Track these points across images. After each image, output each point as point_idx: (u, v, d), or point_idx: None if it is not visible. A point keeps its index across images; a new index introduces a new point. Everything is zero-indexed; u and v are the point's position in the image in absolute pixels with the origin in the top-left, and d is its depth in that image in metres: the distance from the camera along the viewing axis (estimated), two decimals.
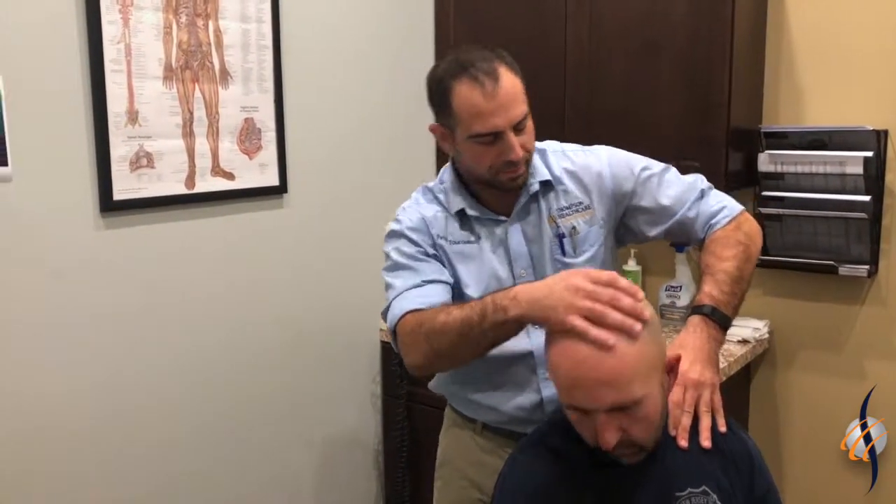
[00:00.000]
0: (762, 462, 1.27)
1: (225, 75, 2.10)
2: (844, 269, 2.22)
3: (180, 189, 2.03)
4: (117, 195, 1.90)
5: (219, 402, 2.19)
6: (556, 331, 1.14)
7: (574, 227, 1.51)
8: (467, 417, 1.63)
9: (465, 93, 1.38)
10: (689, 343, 1.31)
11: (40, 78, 1.77)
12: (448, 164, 1.58)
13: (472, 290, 1.49)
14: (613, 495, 1.18)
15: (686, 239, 1.58)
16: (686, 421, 1.24)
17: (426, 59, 2.71)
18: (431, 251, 1.50)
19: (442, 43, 2.69)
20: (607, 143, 1.62)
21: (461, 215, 1.52)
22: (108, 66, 1.85)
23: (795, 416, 2.45)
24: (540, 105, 2.42)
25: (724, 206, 1.53)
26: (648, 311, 1.14)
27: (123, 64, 1.88)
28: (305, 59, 2.32)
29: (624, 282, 1.16)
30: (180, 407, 2.10)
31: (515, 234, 1.51)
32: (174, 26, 1.97)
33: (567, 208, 1.52)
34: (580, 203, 1.53)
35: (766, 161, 2.27)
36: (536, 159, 1.51)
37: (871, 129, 2.15)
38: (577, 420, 1.15)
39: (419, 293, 1.42)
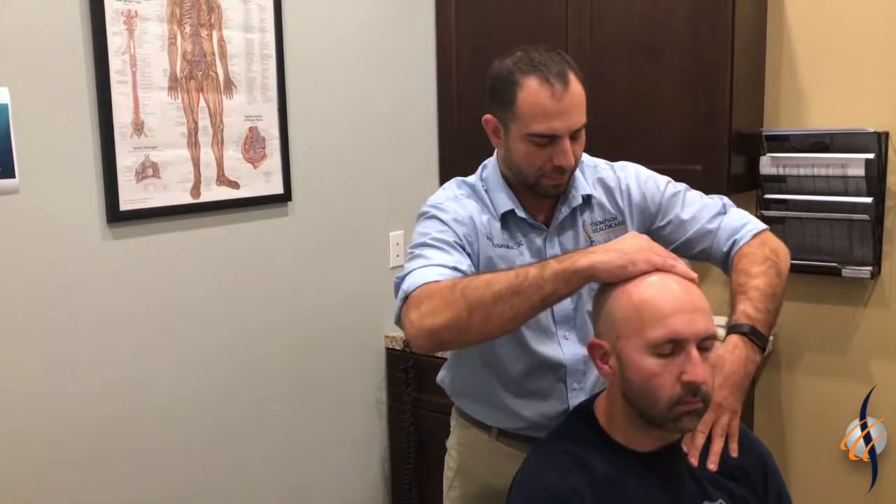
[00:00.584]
0: (774, 465, 1.28)
1: (229, 85, 2.11)
2: (848, 271, 2.24)
3: (186, 198, 2.04)
4: (124, 205, 1.90)
5: (224, 409, 2.19)
6: (635, 274, 1.19)
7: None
8: (481, 424, 1.62)
9: (533, 90, 1.37)
10: (725, 363, 1.29)
11: (46, 89, 1.77)
12: (490, 162, 1.57)
13: None
14: (632, 502, 1.19)
15: (707, 252, 1.55)
16: (699, 441, 1.24)
17: (428, 67, 2.73)
18: (469, 249, 1.46)
19: (443, 51, 2.71)
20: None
21: (504, 217, 1.50)
22: (114, 77, 1.86)
23: (800, 417, 2.46)
24: None
25: (746, 221, 1.53)
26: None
27: (129, 75, 1.89)
28: (308, 68, 2.33)
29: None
30: (186, 413, 2.11)
31: (554, 246, 1.51)
32: (178, 37, 1.98)
33: (601, 223, 1.53)
34: (614, 218, 1.54)
35: (768, 164, 2.29)
36: (577, 172, 1.51)
37: (873, 131, 2.17)
38: (660, 368, 1.15)
39: (448, 273, 1.34)
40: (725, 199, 1.59)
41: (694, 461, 1.22)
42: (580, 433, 1.24)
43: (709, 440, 1.26)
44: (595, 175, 1.56)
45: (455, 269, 1.36)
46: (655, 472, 1.20)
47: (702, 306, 1.17)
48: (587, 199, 1.53)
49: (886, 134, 2.19)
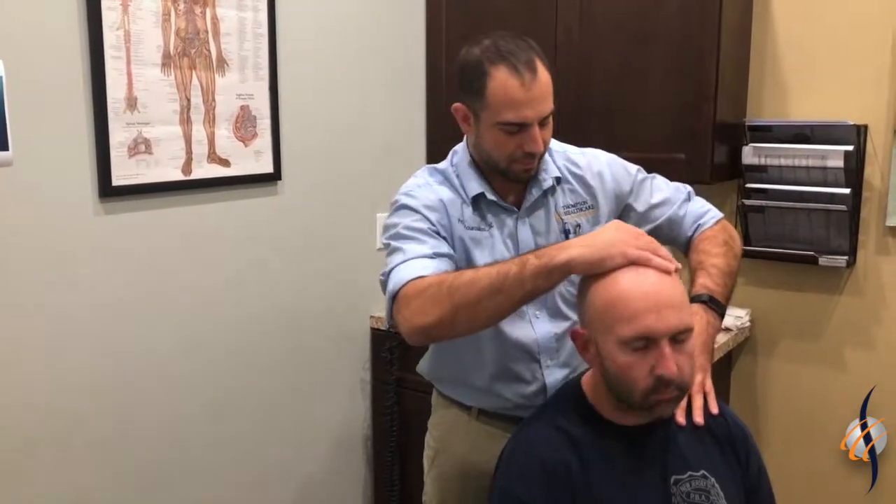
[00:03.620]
0: (755, 442, 1.33)
1: (221, 63, 2.12)
2: (824, 260, 2.29)
3: (177, 175, 2.05)
4: (116, 181, 1.91)
5: (210, 385, 2.21)
6: (611, 268, 1.20)
7: (579, 225, 1.56)
8: (461, 404, 1.65)
9: (502, 80, 1.39)
10: None
11: (41, 63, 1.77)
12: (460, 147, 1.59)
13: None
14: (619, 475, 1.23)
15: (672, 236, 1.63)
16: (682, 401, 1.30)
17: (419, 49, 2.75)
18: (444, 233, 1.50)
19: (433, 34, 2.72)
20: (597, 135, 1.68)
21: (475, 200, 1.53)
22: (108, 53, 1.86)
23: (774, 402, 2.52)
24: None
25: (708, 209, 1.66)
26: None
27: (123, 50, 1.89)
28: (300, 48, 2.34)
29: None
30: (173, 388, 2.12)
31: (525, 227, 1.54)
32: (172, 13, 1.99)
33: (573, 206, 1.57)
34: (584, 202, 1.58)
35: (750, 154, 2.33)
36: (546, 156, 1.55)
37: (852, 123, 2.22)
38: (633, 362, 1.17)
39: (430, 264, 1.40)
40: (688, 187, 1.68)
41: (681, 419, 1.28)
42: (569, 408, 1.28)
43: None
44: (564, 160, 1.60)
45: (434, 255, 1.42)
46: (642, 445, 1.25)
47: (675, 301, 1.17)
48: (557, 181, 1.56)
49: (865, 127, 2.24)
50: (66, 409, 1.90)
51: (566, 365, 1.56)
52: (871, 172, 2.28)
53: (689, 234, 1.62)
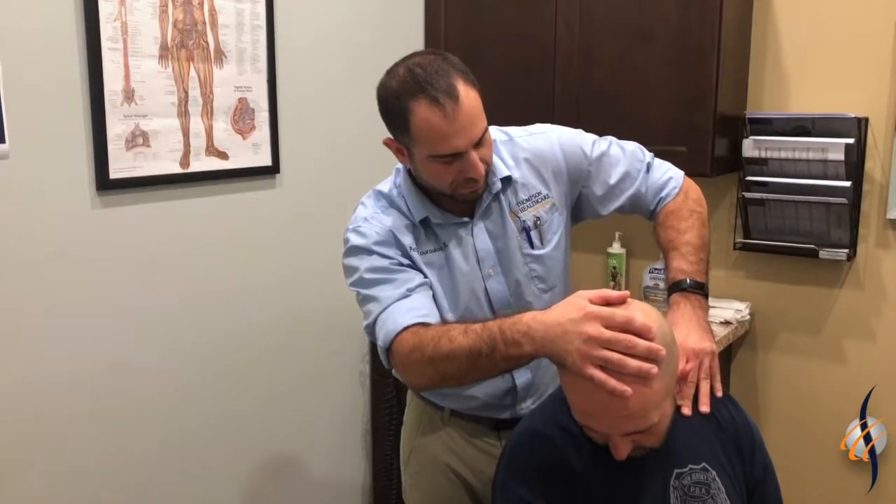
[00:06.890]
0: (761, 439, 1.32)
1: (219, 55, 2.11)
2: (825, 253, 2.28)
3: (175, 168, 2.04)
4: (113, 174, 1.90)
5: (208, 379, 2.21)
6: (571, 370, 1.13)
7: (538, 218, 1.51)
8: (435, 405, 1.63)
9: (423, 114, 1.31)
10: (679, 319, 1.36)
11: (37, 55, 1.76)
12: (401, 169, 1.53)
13: (444, 299, 1.47)
14: (620, 471, 1.22)
15: (636, 211, 1.60)
16: (689, 390, 1.28)
17: (417, 41, 2.73)
18: (406, 261, 1.45)
19: (432, 24, 2.71)
20: (596, 128, 1.63)
21: (425, 222, 1.48)
22: (105, 44, 1.85)
23: (774, 396, 2.51)
24: (530, 92, 2.49)
25: (670, 176, 1.58)
26: (663, 348, 1.10)
27: (120, 42, 1.88)
28: (298, 40, 2.33)
29: (638, 321, 1.11)
30: (170, 382, 2.12)
31: (481, 234, 1.49)
32: (170, 5, 1.97)
33: (527, 201, 1.51)
34: (538, 193, 1.52)
35: (750, 147, 2.32)
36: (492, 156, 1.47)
37: (853, 116, 2.21)
38: (587, 430, 1.19)
39: (408, 305, 1.38)
40: (642, 150, 1.61)
41: (687, 411, 1.26)
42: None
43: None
44: (514, 151, 1.52)
45: (409, 291, 1.40)
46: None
47: (628, 415, 1.09)
48: (507, 180, 1.49)
49: (866, 119, 2.23)
50: (65, 403, 1.89)
51: (536, 366, 1.54)
52: (872, 165, 2.27)
53: (653, 207, 1.57)
